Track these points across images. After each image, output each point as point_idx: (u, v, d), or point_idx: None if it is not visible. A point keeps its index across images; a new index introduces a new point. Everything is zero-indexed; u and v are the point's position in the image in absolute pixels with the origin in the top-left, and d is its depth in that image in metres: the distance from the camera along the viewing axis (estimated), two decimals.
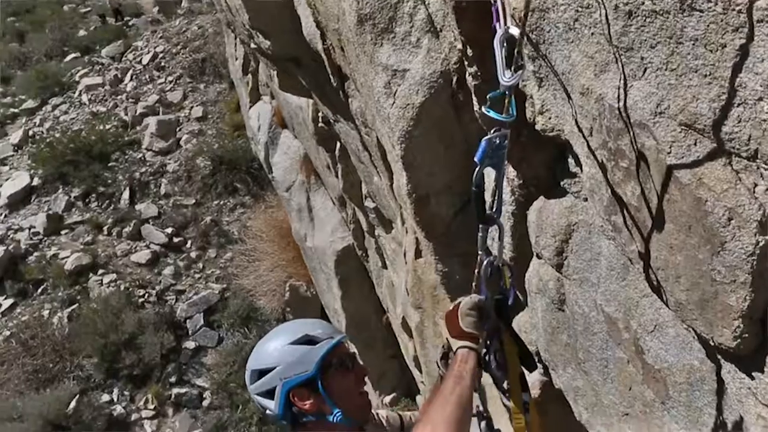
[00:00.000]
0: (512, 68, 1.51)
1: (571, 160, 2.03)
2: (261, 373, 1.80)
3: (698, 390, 1.64)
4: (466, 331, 1.77)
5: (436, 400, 1.62)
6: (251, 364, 1.85)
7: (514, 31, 1.55)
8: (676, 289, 1.43)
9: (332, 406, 1.76)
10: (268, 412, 1.83)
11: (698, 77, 1.16)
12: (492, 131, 1.54)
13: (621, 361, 2.01)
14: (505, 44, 1.59)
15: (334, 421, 1.77)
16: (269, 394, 1.78)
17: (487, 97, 1.56)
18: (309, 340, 1.78)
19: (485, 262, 1.83)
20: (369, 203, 5.88)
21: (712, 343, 1.39)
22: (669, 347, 1.72)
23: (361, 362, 2.01)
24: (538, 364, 2.58)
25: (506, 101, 1.52)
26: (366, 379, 1.92)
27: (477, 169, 1.56)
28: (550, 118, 1.87)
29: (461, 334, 1.78)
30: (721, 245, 1.22)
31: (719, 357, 1.50)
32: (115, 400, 9.80)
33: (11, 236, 12.11)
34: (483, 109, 1.56)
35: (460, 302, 1.83)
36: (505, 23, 1.59)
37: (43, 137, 14.25)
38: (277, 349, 1.79)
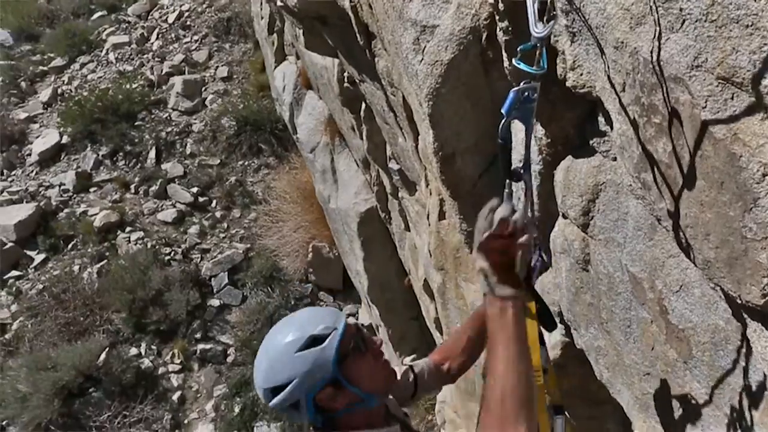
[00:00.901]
0: (544, 20, 1.49)
1: (600, 119, 2.01)
2: (276, 390, 1.68)
3: (722, 350, 1.64)
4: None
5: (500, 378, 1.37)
6: (261, 383, 1.72)
7: None
8: (705, 247, 1.42)
9: (361, 392, 1.71)
10: (297, 420, 1.77)
11: (739, 28, 1.13)
12: (522, 82, 1.51)
13: (644, 321, 2.02)
14: None
15: (367, 406, 1.73)
16: (293, 407, 1.70)
17: (518, 49, 1.53)
18: (315, 340, 1.66)
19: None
20: (393, 165, 5.88)
21: (740, 302, 1.39)
22: (694, 307, 1.72)
23: (366, 328, 1.94)
24: (559, 324, 2.60)
25: (537, 53, 1.50)
26: (381, 344, 1.83)
27: (503, 120, 1.51)
28: (581, 74, 1.84)
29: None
30: (753, 201, 1.20)
31: (745, 316, 1.49)
32: (143, 353, 10.08)
33: (42, 193, 12.36)
34: (513, 61, 1.53)
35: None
36: None
37: (72, 95, 14.37)
38: (285, 362, 1.66)
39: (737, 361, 1.58)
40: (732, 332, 1.58)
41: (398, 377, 2.09)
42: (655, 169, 1.52)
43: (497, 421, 1.33)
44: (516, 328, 1.42)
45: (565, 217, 2.34)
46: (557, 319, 2.59)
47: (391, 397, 1.97)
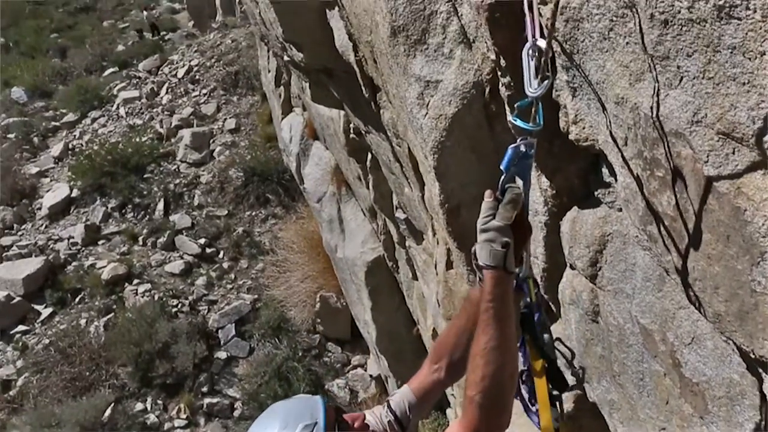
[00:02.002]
0: (538, 78, 1.53)
1: (605, 170, 2.02)
2: None
3: (739, 405, 1.60)
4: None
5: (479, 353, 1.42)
6: None
7: (542, 43, 1.56)
8: (714, 300, 1.41)
9: None
10: None
11: (736, 85, 1.15)
12: (519, 140, 1.54)
13: (657, 374, 1.98)
14: (536, 55, 1.60)
15: None
16: None
17: (515, 105, 1.57)
18: None
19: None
20: (400, 214, 5.90)
21: (753, 356, 1.36)
22: (707, 360, 1.69)
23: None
24: (572, 377, 2.55)
25: (533, 110, 1.54)
26: (363, 419, 1.78)
27: (503, 176, 1.55)
28: (584, 128, 1.87)
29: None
30: (761, 255, 1.20)
31: (760, 370, 1.47)
32: (149, 408, 9.94)
33: (51, 246, 12.45)
34: (510, 117, 1.57)
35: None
36: (533, 35, 1.60)
37: (83, 150, 14.64)
38: None
39: (755, 417, 1.54)
40: (748, 387, 1.54)
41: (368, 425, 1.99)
42: (661, 222, 1.52)
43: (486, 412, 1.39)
44: (507, 305, 1.49)
45: (572, 268, 2.33)
46: (569, 371, 2.55)
47: None
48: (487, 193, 1.55)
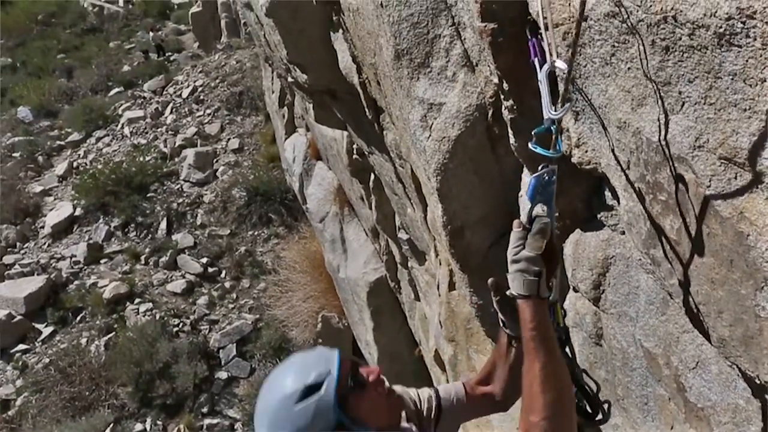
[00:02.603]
0: (560, 102, 1.53)
1: (607, 193, 2.03)
2: None
3: (744, 430, 1.59)
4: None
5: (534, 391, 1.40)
6: None
7: (561, 64, 1.57)
8: (719, 325, 1.41)
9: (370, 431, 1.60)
10: None
11: (737, 111, 1.16)
12: (540, 167, 1.54)
13: (662, 398, 1.97)
14: (559, 76, 1.61)
15: None
16: None
17: (533, 132, 1.57)
18: (311, 389, 1.58)
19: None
20: (402, 235, 5.90)
21: (758, 381, 1.36)
22: (712, 385, 1.68)
23: (357, 357, 1.77)
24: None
25: (553, 137, 1.54)
26: (380, 373, 1.71)
27: (530, 207, 1.55)
28: (586, 152, 1.88)
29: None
30: (764, 280, 1.20)
31: (766, 396, 1.46)
32: (148, 429, 9.85)
33: (53, 265, 12.44)
34: (530, 145, 1.57)
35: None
36: (551, 57, 1.61)
37: (87, 169, 14.70)
38: (286, 417, 1.58)
39: None
40: (753, 413, 1.53)
41: (418, 403, 1.93)
42: (664, 246, 1.52)
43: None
44: (548, 329, 1.49)
45: (575, 290, 2.33)
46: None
47: (409, 425, 1.79)
48: (516, 223, 1.55)
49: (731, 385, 1.60)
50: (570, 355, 1.94)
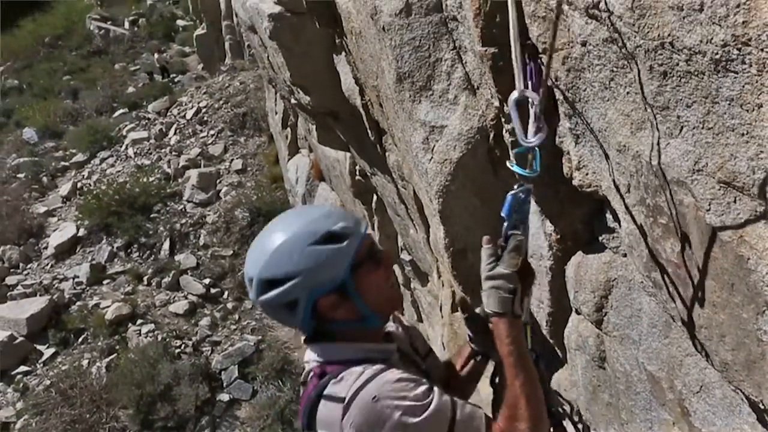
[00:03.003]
0: (532, 130, 1.57)
1: (609, 216, 2.03)
2: (273, 283, 1.45)
3: None
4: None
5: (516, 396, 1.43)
6: (257, 272, 1.48)
7: (531, 94, 1.61)
8: (721, 349, 1.40)
9: (365, 308, 1.51)
10: (283, 322, 1.57)
11: (735, 136, 1.17)
12: (516, 186, 1.57)
13: (666, 422, 1.95)
14: (533, 104, 1.64)
15: (366, 325, 1.54)
16: (288, 307, 1.48)
17: (512, 152, 1.60)
18: (332, 237, 1.45)
19: None
20: (405, 256, 5.90)
21: (762, 407, 1.35)
22: (716, 409, 1.66)
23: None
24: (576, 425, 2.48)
25: (530, 157, 1.57)
26: (392, 262, 1.64)
27: (505, 223, 1.56)
28: (587, 174, 1.89)
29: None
30: (766, 305, 1.20)
31: None
32: None
33: (56, 286, 12.44)
34: (507, 163, 1.61)
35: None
36: (524, 86, 1.65)
37: (90, 189, 14.76)
38: (295, 253, 1.44)
39: None
40: None
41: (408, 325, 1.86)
42: (665, 269, 1.52)
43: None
44: (524, 345, 1.49)
45: (578, 312, 2.32)
46: (575, 418, 2.50)
47: (393, 346, 1.65)
48: (485, 239, 1.54)
49: (736, 410, 1.59)
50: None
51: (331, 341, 1.54)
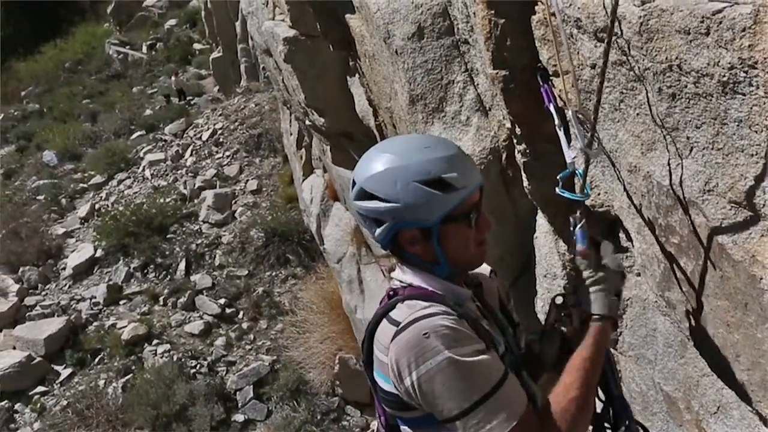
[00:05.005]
0: (580, 145, 1.60)
1: (621, 235, 2.04)
2: (371, 197, 1.49)
3: None
4: None
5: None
6: (362, 180, 1.51)
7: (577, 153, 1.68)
8: (737, 369, 1.40)
9: (441, 257, 1.50)
10: (366, 228, 1.60)
11: (745, 156, 1.18)
12: (578, 214, 1.59)
13: None
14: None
15: (439, 273, 1.52)
16: (375, 221, 1.52)
17: (558, 178, 1.63)
18: (441, 184, 1.45)
19: None
20: None
21: None
22: (734, 430, 1.65)
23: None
24: None
25: (581, 181, 1.61)
26: (489, 230, 1.59)
27: (578, 246, 1.62)
28: (599, 194, 1.90)
29: None
30: None
31: None
32: None
33: (73, 306, 12.55)
34: (557, 190, 1.62)
35: None
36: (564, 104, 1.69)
37: (108, 210, 14.94)
38: (398, 182, 1.45)
39: None
40: None
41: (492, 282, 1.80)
42: (678, 289, 1.52)
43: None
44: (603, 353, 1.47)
45: None
46: None
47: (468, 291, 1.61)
48: (581, 251, 1.59)
49: (754, 431, 1.58)
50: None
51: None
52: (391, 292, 1.52)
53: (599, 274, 1.51)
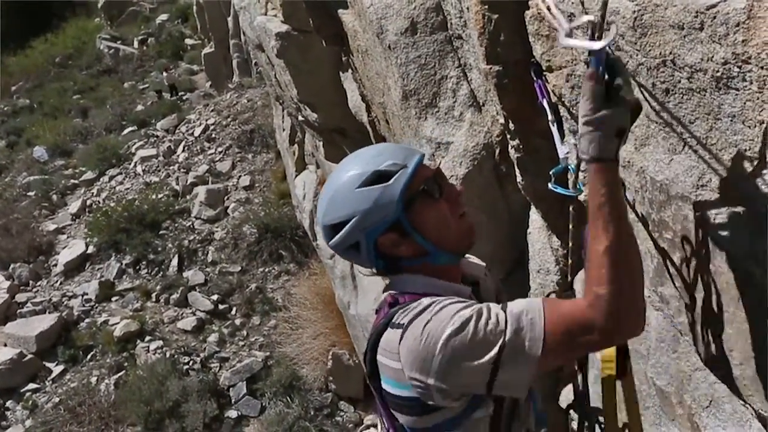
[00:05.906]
0: (563, 140, 1.59)
1: None
2: (335, 228, 1.50)
3: None
4: None
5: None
6: (321, 219, 1.54)
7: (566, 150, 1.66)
8: (729, 364, 1.40)
9: (427, 243, 1.46)
10: (357, 265, 1.60)
11: (738, 152, 1.18)
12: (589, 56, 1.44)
13: None
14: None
15: (434, 261, 1.49)
16: (353, 248, 1.51)
17: (551, 173, 1.62)
18: (380, 177, 1.44)
19: None
20: None
21: None
22: (727, 425, 1.66)
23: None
24: None
25: (572, 177, 1.60)
26: (460, 195, 1.55)
27: (591, 66, 1.30)
28: None
29: None
30: None
31: None
32: None
33: (65, 303, 12.49)
34: (550, 185, 1.60)
35: None
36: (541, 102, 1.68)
37: (99, 207, 14.86)
38: (345, 198, 1.47)
39: None
40: None
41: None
42: (671, 284, 1.53)
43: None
44: (621, 193, 1.25)
45: None
46: None
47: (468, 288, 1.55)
48: (589, 73, 1.20)
49: (746, 425, 1.59)
50: None
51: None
52: (390, 300, 1.49)
53: (601, 113, 1.17)
